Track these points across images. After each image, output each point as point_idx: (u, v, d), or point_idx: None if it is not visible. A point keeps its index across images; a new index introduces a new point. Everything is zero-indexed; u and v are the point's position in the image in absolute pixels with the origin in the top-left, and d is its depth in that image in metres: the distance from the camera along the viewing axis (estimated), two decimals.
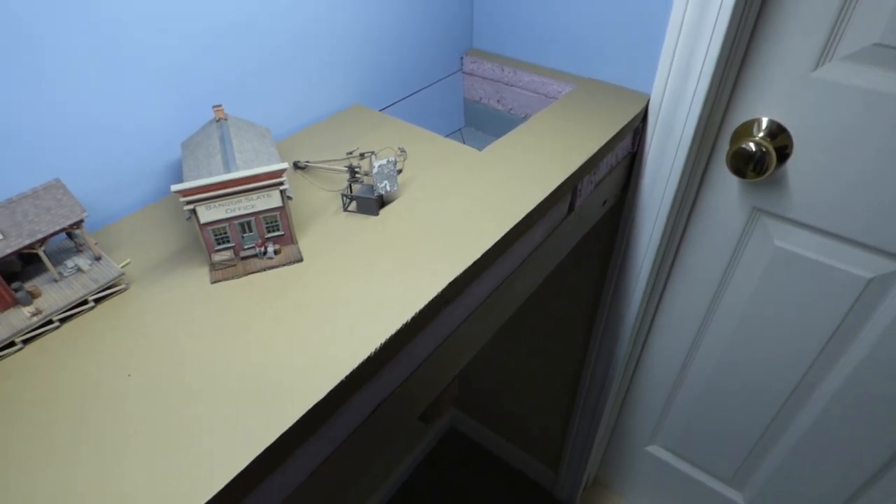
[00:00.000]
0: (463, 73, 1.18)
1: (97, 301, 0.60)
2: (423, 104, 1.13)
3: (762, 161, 0.96)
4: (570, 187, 0.81)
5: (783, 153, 0.99)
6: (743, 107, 0.99)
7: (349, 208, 0.73)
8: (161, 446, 0.47)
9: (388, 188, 0.71)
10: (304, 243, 0.68)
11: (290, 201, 0.67)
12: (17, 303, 0.57)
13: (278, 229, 0.66)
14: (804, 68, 0.90)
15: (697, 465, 1.57)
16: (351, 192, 0.73)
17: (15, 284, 0.58)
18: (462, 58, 1.16)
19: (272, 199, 0.63)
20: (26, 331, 0.55)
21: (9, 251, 0.54)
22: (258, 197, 0.63)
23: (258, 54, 0.82)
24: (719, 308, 1.24)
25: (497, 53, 1.15)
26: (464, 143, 1.24)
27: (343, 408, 0.56)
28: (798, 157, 0.97)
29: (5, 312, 0.56)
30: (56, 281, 0.60)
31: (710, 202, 1.12)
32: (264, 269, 0.65)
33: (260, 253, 0.65)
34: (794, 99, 0.93)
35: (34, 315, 0.56)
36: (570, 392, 1.61)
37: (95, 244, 0.64)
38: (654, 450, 1.64)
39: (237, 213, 0.63)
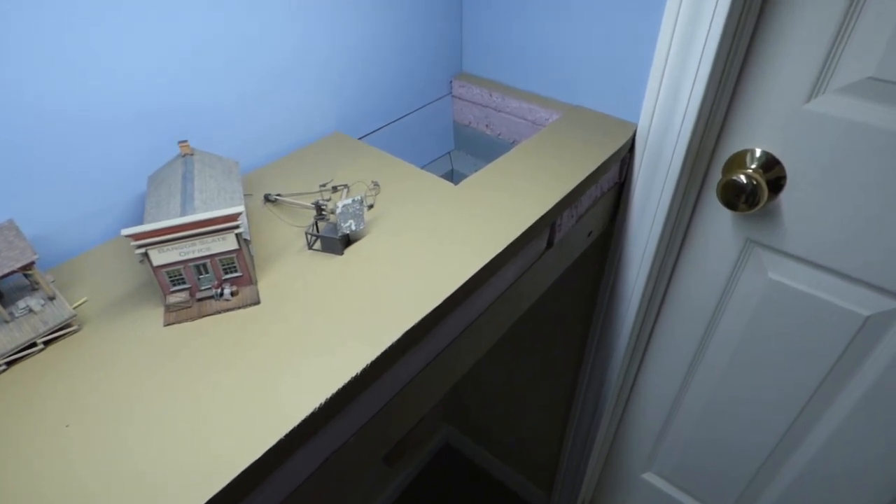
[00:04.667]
0: (452, 96, 1.16)
1: (47, 343, 0.60)
2: (412, 127, 1.12)
3: (754, 194, 0.92)
4: (546, 224, 0.79)
5: (777, 185, 0.95)
6: (735, 136, 0.96)
7: (314, 246, 0.71)
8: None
9: (352, 227, 0.70)
10: (265, 283, 0.67)
11: (249, 241, 0.66)
12: None
13: (236, 270, 0.65)
14: (797, 100, 0.87)
15: (693, 496, 1.53)
16: (317, 229, 0.72)
17: None
18: (451, 82, 1.15)
19: (228, 242, 0.62)
20: None
21: None
22: (213, 240, 0.61)
23: (234, 81, 0.81)
24: (713, 339, 1.21)
25: (486, 78, 1.13)
26: (452, 166, 1.23)
27: (288, 462, 0.55)
28: (792, 190, 0.94)
29: None
30: (7, 322, 0.59)
31: (703, 232, 1.09)
32: (220, 312, 0.63)
33: (216, 294, 0.64)
34: (786, 131, 0.90)
35: None
36: (563, 417, 1.59)
37: (52, 282, 0.64)
38: (650, 477, 1.60)
39: (192, 255, 0.62)
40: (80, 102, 0.67)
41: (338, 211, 0.68)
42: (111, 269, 0.69)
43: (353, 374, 0.56)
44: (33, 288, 0.63)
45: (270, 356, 0.58)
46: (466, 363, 0.79)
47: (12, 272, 0.57)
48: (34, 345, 0.59)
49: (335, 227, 0.70)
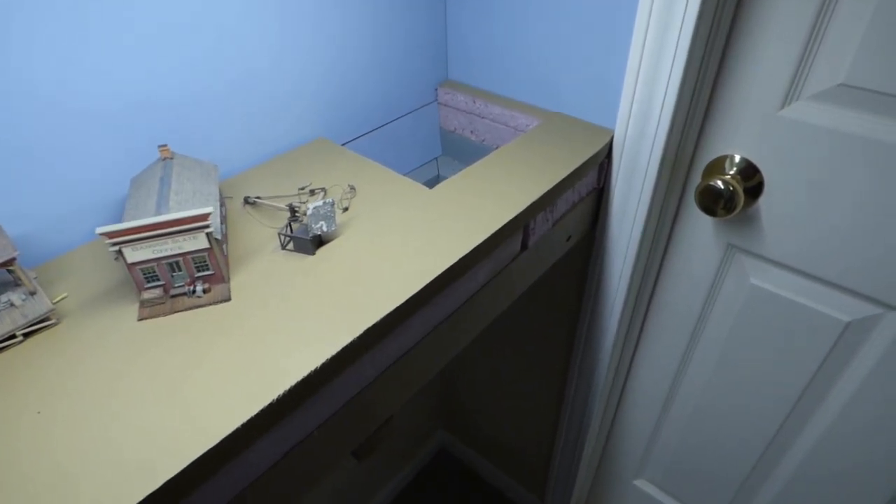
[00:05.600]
0: (438, 103, 1.19)
1: (26, 335, 0.63)
2: (398, 133, 1.14)
3: (731, 199, 0.93)
4: (518, 226, 0.81)
5: (756, 190, 0.96)
6: (714, 142, 0.97)
7: (287, 247, 0.74)
8: (50, 485, 0.48)
9: (324, 228, 0.72)
10: (237, 281, 0.70)
11: (223, 241, 0.68)
12: None
13: (208, 269, 0.67)
14: (771, 107, 0.88)
15: (684, 502, 1.52)
16: (290, 230, 0.74)
17: None
18: (437, 89, 1.17)
19: (199, 241, 0.65)
20: None
21: None
22: (185, 239, 0.64)
23: (218, 87, 0.84)
24: (699, 345, 1.21)
25: (470, 85, 1.15)
26: (438, 172, 1.25)
27: (251, 448, 0.57)
28: (770, 195, 0.95)
29: None
30: None
31: (686, 237, 1.10)
32: (191, 308, 0.66)
33: (189, 291, 0.67)
34: (762, 137, 0.91)
35: None
36: (553, 423, 1.59)
37: (35, 278, 0.67)
38: (642, 484, 1.60)
39: (164, 253, 0.64)
40: (65, 105, 0.70)
41: (308, 213, 0.70)
42: (92, 268, 0.72)
43: (313, 368, 0.58)
44: (16, 283, 0.66)
45: (236, 349, 0.60)
46: (438, 363, 0.80)
47: None
48: (14, 336, 0.62)
49: (307, 228, 0.73)
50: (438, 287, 0.70)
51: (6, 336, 0.61)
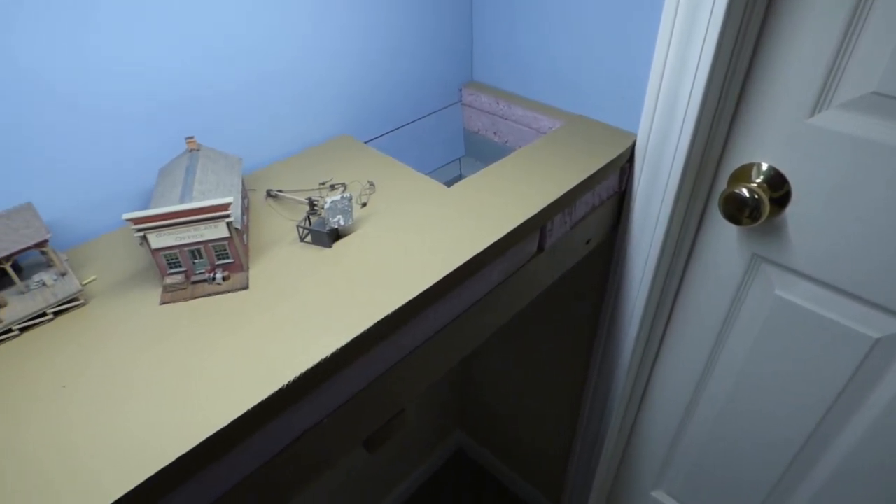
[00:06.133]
0: (462, 104, 1.20)
1: (56, 314, 0.66)
2: (421, 133, 1.16)
3: (757, 208, 0.92)
4: (534, 227, 0.81)
5: (782, 200, 0.94)
6: (740, 149, 0.95)
7: (305, 239, 0.76)
8: (69, 452, 0.51)
9: (340, 222, 0.74)
10: (256, 270, 0.72)
11: (244, 230, 0.71)
12: None
13: (228, 257, 0.70)
14: (800, 115, 0.86)
15: None
16: (308, 223, 0.76)
17: None
18: (461, 90, 1.18)
19: (219, 230, 0.67)
20: None
21: None
22: (206, 227, 0.67)
23: (245, 82, 0.87)
24: (721, 355, 1.19)
25: (494, 87, 1.16)
26: (461, 172, 1.26)
27: (263, 430, 0.58)
28: (797, 205, 0.93)
29: None
30: (22, 293, 0.66)
31: (709, 246, 1.08)
32: (211, 294, 0.68)
33: (209, 278, 0.69)
34: (791, 145, 0.89)
35: None
36: (569, 430, 1.58)
37: (66, 261, 0.70)
38: (660, 495, 1.57)
39: (187, 241, 0.67)
40: (98, 98, 0.74)
41: (326, 206, 0.72)
42: (119, 254, 0.76)
43: (323, 356, 0.59)
44: (48, 265, 0.69)
45: (252, 335, 0.62)
46: (450, 360, 0.81)
47: (28, 248, 0.64)
48: (45, 314, 0.65)
49: (325, 221, 0.74)
50: (451, 284, 0.71)
51: (38, 314, 0.64)
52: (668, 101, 0.89)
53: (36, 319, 0.65)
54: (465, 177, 1.26)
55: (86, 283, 0.70)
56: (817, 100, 0.84)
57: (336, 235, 0.76)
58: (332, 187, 0.85)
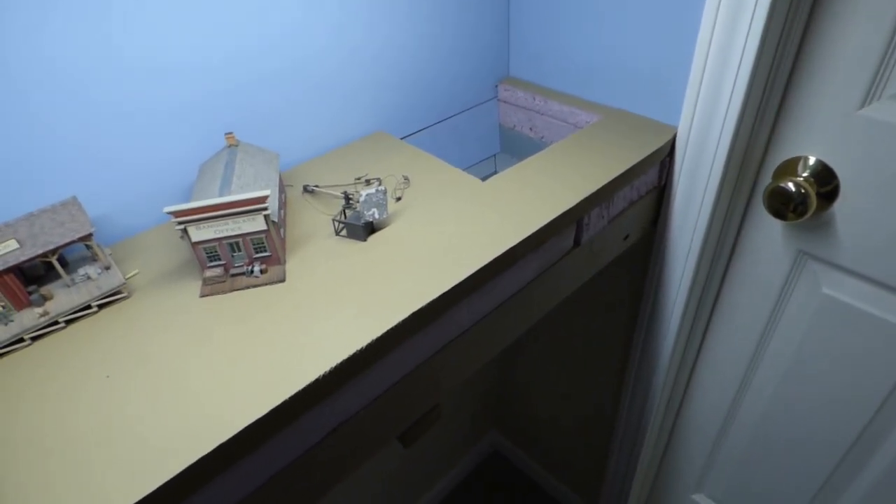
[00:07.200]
0: (498, 100, 1.19)
1: (100, 306, 0.68)
2: (457, 129, 1.15)
3: (803, 202, 0.88)
4: (570, 221, 0.80)
5: (830, 194, 0.91)
6: (786, 143, 0.92)
7: (341, 233, 0.76)
8: (112, 440, 0.52)
9: (375, 216, 0.74)
10: (292, 263, 0.72)
11: (281, 224, 0.71)
12: (30, 304, 0.65)
13: (265, 250, 0.70)
14: (849, 106, 0.83)
15: None
16: (344, 217, 0.76)
17: (31, 288, 0.66)
18: (497, 86, 1.17)
19: (257, 223, 0.68)
20: (33, 329, 0.63)
21: (23, 259, 0.62)
22: (244, 220, 0.67)
23: (284, 81, 0.87)
24: (765, 355, 1.15)
25: (530, 82, 1.15)
26: (496, 168, 1.25)
27: (293, 425, 0.59)
28: (846, 200, 0.89)
29: (21, 312, 0.65)
30: (68, 286, 0.68)
31: (753, 241, 1.04)
32: (249, 287, 0.69)
33: (247, 271, 0.70)
34: (839, 138, 0.86)
35: (42, 316, 0.64)
36: (607, 432, 1.55)
37: (109, 255, 0.72)
38: (701, 499, 1.53)
39: (225, 234, 0.68)
40: (141, 98, 0.75)
41: (361, 199, 0.72)
42: (160, 249, 0.77)
43: (358, 347, 0.59)
44: (93, 259, 0.71)
45: (288, 327, 0.63)
46: (484, 355, 0.80)
47: (73, 241, 0.65)
48: (89, 307, 0.67)
49: (360, 215, 0.74)
50: (485, 277, 0.70)
51: (83, 306, 0.66)
52: (711, 94, 0.87)
53: (81, 312, 0.66)
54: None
55: (129, 277, 0.72)
56: (868, 90, 0.81)
57: (371, 229, 0.76)
58: (368, 182, 0.85)
